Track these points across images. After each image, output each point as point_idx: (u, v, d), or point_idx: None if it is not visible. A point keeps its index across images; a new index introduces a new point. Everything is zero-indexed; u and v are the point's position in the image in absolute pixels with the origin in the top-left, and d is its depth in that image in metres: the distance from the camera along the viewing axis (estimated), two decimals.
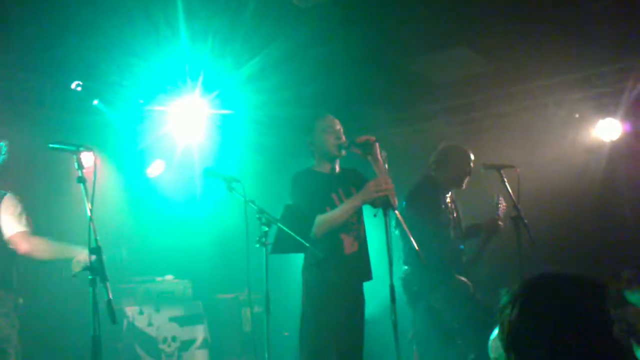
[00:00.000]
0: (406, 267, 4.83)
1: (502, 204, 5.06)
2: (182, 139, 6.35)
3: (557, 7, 5.15)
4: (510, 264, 4.53)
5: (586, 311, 1.57)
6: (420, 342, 4.79)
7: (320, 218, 3.95)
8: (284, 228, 3.73)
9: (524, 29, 5.45)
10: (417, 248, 3.75)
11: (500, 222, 5.02)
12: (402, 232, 4.26)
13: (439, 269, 4.64)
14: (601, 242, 6.14)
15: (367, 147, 4.04)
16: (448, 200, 5.00)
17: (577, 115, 6.65)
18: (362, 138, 4.05)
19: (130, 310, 5.69)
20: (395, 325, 3.53)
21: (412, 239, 3.79)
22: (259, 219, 3.76)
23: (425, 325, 4.73)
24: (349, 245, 4.07)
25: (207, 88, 5.91)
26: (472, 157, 5.01)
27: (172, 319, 5.93)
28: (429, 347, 4.72)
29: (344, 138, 4.17)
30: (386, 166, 4.03)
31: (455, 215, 5.02)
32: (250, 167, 6.36)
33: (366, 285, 4.22)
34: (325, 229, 3.95)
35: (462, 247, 4.96)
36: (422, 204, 4.81)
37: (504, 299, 1.72)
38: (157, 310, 5.86)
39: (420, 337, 4.78)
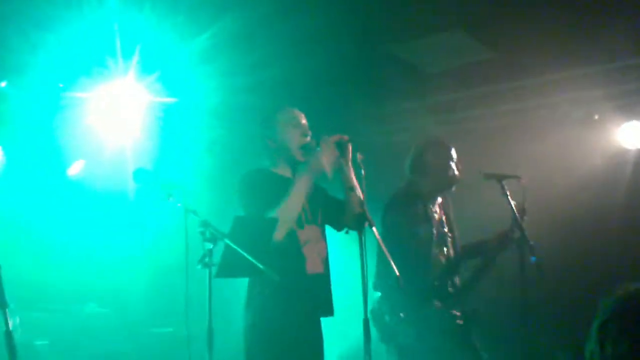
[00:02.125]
0: (377, 294, 4.80)
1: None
2: (111, 133, 6.25)
3: None
4: (511, 296, 4.50)
5: None
6: None
7: (276, 212, 3.91)
8: (233, 245, 3.66)
9: (534, 12, 5.46)
10: (397, 272, 3.71)
11: (514, 235, 4.89)
12: (379, 252, 4.23)
13: (414, 296, 4.59)
14: (625, 268, 6.17)
15: (339, 148, 4.02)
16: (435, 210, 4.97)
17: (596, 117, 6.70)
18: (334, 137, 4.04)
19: (41, 346, 5.60)
20: None
21: (391, 261, 3.75)
22: (202, 233, 3.68)
23: None
24: (312, 263, 4.06)
25: (144, 69, 5.82)
26: (455, 155, 4.99)
27: (94, 358, 5.86)
28: None
29: (310, 136, 4.16)
30: (362, 172, 4.00)
31: (445, 229, 4.99)
32: (198, 169, 6.30)
33: (335, 321, 4.20)
34: (285, 219, 3.92)
35: (452, 267, 4.94)
36: (396, 216, 4.79)
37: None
38: (75, 346, 5.78)
39: None
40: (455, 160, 4.99)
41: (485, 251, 5.01)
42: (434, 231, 4.88)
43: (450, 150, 5.00)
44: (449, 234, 5.01)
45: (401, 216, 4.79)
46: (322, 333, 4.19)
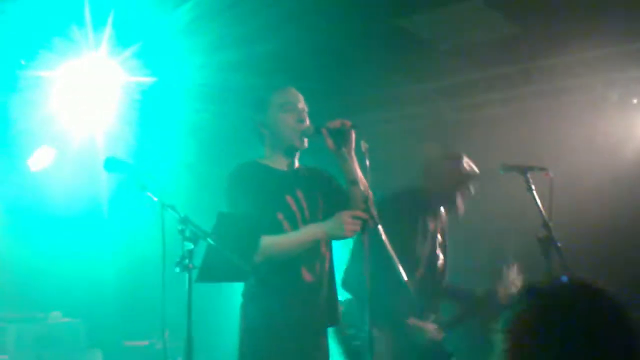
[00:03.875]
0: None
1: (513, 275, 5.09)
2: (80, 117, 6.23)
3: None
4: None
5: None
6: None
7: (265, 240, 3.91)
8: (217, 245, 3.65)
9: None
10: (404, 276, 3.71)
11: (504, 297, 5.02)
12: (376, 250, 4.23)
13: (394, 310, 4.67)
14: None
15: (341, 136, 4.02)
16: (430, 226, 5.02)
17: (635, 101, 6.71)
18: (335, 123, 4.04)
19: None
20: None
21: (397, 263, 3.75)
22: (181, 231, 3.67)
23: None
24: (309, 267, 4.07)
25: (118, 43, 5.75)
26: (469, 168, 5.03)
27: None
28: None
29: (308, 121, 4.16)
30: (367, 163, 3.99)
31: (437, 251, 5.01)
32: (179, 159, 6.30)
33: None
34: (269, 255, 3.92)
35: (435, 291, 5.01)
36: (391, 216, 4.75)
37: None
38: None
39: None
40: (467, 176, 5.05)
41: (467, 305, 5.19)
42: (424, 249, 4.94)
43: (463, 164, 5.07)
44: (440, 254, 5.05)
45: (394, 217, 4.70)
46: (328, 344, 4.21)
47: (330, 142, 4.02)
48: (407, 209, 4.93)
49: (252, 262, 3.82)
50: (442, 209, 5.14)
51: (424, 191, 5.06)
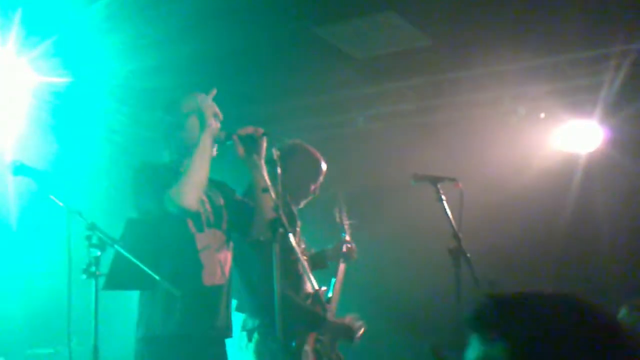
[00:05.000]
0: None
1: (346, 221, 5.20)
2: None
3: None
4: (445, 310, 4.55)
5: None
6: None
7: (178, 183, 3.86)
8: (124, 252, 3.60)
9: None
10: (315, 286, 3.72)
11: (350, 246, 5.20)
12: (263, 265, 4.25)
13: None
14: (571, 280, 6.32)
15: (252, 143, 4.02)
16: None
17: (542, 115, 6.85)
18: (247, 129, 4.04)
19: None
20: None
21: (310, 275, 3.77)
22: (88, 238, 3.61)
23: None
24: (210, 273, 4.01)
25: (28, 41, 5.54)
26: (324, 167, 5.07)
27: None
28: None
29: (218, 127, 4.13)
30: (278, 171, 3.98)
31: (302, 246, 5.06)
32: (93, 163, 6.19)
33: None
34: (192, 189, 3.88)
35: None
36: None
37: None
38: None
39: None
40: (320, 174, 5.06)
41: (324, 262, 5.30)
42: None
43: (319, 161, 5.08)
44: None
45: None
46: (226, 355, 4.18)
47: (240, 149, 4.01)
48: None
49: (170, 246, 3.85)
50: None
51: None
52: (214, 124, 4.03)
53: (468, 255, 4.53)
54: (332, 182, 5.18)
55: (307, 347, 4.71)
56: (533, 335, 1.67)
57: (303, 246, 5.05)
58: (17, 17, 5.24)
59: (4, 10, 5.18)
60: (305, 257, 4.85)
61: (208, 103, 4.03)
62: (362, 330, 5.10)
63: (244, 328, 4.71)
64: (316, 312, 4.80)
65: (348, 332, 5.01)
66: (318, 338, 4.83)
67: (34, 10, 5.24)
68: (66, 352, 4.62)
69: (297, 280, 4.76)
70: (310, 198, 5.05)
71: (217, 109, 4.12)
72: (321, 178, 5.05)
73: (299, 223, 4.99)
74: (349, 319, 5.05)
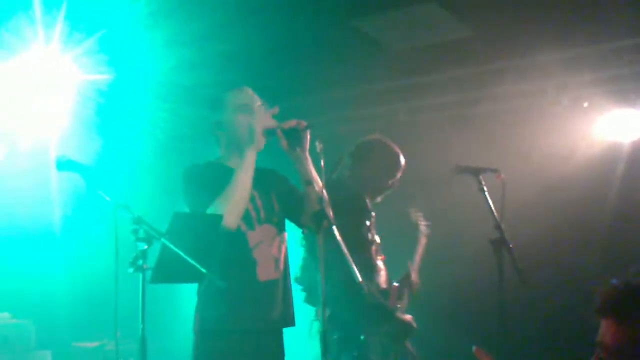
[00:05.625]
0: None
1: (422, 222, 5.23)
2: (32, 115, 6.14)
3: None
4: (489, 302, 4.54)
5: None
6: None
7: (218, 201, 3.90)
8: (171, 246, 3.62)
9: None
10: (359, 278, 3.72)
11: (415, 281, 5.35)
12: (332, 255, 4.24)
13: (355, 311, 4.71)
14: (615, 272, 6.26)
15: (296, 136, 4.03)
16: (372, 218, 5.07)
17: (585, 104, 6.80)
18: (290, 122, 4.04)
19: None
20: None
21: (352, 265, 3.76)
22: (135, 232, 3.64)
23: None
24: (264, 268, 4.03)
25: (72, 38, 5.60)
26: (402, 162, 5.10)
27: None
28: None
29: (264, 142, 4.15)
30: (322, 164, 3.99)
31: (377, 240, 5.08)
32: (136, 159, 6.25)
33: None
34: (233, 209, 3.91)
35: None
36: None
37: None
38: None
39: None
40: (399, 169, 5.13)
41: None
42: (370, 239, 4.98)
43: (398, 156, 5.16)
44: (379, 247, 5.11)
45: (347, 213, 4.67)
46: (283, 347, 4.20)
47: (284, 143, 4.02)
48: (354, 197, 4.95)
49: (220, 245, 3.82)
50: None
51: (355, 178, 5.06)
52: (262, 142, 4.05)
53: (510, 245, 4.52)
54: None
55: (376, 340, 4.73)
56: None
57: (378, 240, 5.07)
58: (62, 15, 5.27)
59: (48, 8, 5.20)
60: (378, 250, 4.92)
61: (262, 119, 4.02)
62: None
63: (315, 318, 4.79)
64: (385, 305, 4.83)
65: (410, 330, 5.03)
66: (387, 332, 4.87)
67: (77, 8, 5.25)
68: (113, 345, 4.67)
69: (370, 272, 4.80)
70: (387, 192, 5.09)
71: (271, 123, 4.09)
72: (399, 173, 5.08)
73: (373, 215, 5.02)
74: (409, 317, 5.08)
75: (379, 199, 5.16)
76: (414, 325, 5.08)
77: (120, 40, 5.73)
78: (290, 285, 4.23)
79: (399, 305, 5.02)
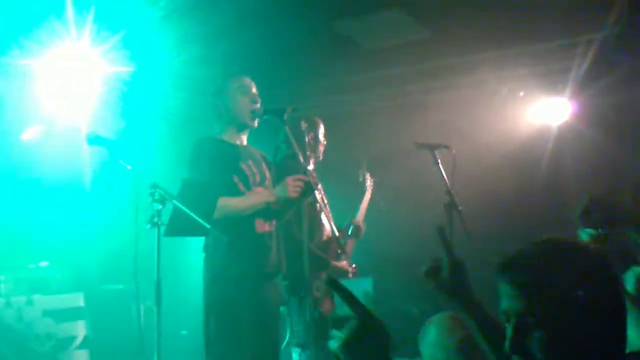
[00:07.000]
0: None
1: (369, 181, 5.27)
2: (65, 101, 6.07)
3: None
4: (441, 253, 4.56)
5: None
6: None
7: (222, 201, 3.91)
8: (181, 206, 3.62)
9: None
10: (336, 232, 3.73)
11: (360, 226, 5.24)
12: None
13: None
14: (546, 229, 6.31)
15: (281, 116, 4.04)
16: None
17: (521, 94, 6.82)
18: (297, 182, 4.01)
19: None
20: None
21: (331, 222, 3.77)
22: (151, 194, 3.64)
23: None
24: (260, 223, 4.05)
25: (100, 35, 5.51)
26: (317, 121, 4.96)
27: (47, 313, 5.71)
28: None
29: (259, 104, 4.15)
30: (306, 139, 4.00)
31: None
32: (152, 136, 6.20)
33: None
34: (224, 215, 3.91)
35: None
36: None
37: None
38: (29, 302, 5.63)
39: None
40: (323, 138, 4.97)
41: None
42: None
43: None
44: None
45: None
46: (278, 288, 4.24)
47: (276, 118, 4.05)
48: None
49: (211, 219, 3.81)
50: None
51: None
52: (276, 196, 4.01)
53: (460, 208, 4.55)
54: (353, 150, 5.16)
55: (318, 283, 4.65)
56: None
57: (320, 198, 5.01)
58: (91, 16, 5.21)
59: (79, 9, 5.14)
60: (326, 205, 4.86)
61: (294, 186, 3.96)
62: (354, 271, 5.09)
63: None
64: (322, 256, 4.77)
65: (344, 274, 4.95)
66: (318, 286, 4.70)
67: (104, 10, 5.21)
68: (133, 287, 4.70)
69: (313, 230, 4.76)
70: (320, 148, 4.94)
71: (302, 185, 4.00)
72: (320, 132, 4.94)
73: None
74: (344, 263, 5.00)
75: (321, 157, 4.96)
76: (348, 269, 4.99)
77: (139, 39, 5.68)
78: (282, 237, 4.22)
79: (339, 251, 4.87)
